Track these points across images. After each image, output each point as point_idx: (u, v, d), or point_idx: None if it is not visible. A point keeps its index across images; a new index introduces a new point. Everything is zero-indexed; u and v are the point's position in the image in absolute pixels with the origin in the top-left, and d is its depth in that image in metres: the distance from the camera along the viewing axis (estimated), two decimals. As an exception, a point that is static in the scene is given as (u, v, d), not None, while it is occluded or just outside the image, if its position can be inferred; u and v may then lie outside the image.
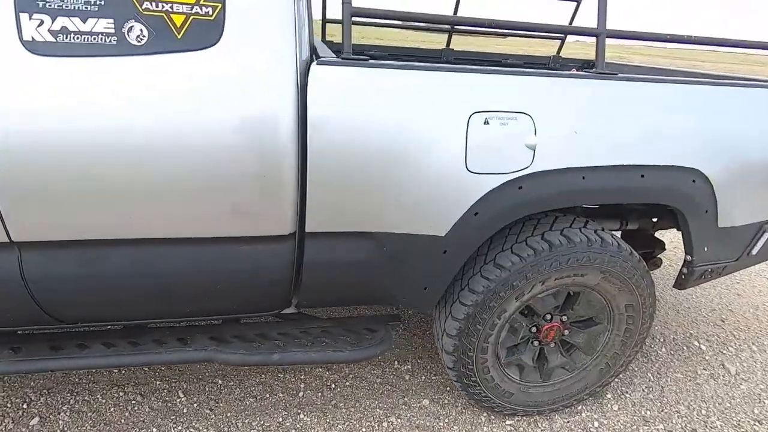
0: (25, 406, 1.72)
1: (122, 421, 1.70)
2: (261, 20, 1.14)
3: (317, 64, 1.19)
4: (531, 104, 1.32)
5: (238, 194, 1.21)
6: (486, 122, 1.29)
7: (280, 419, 1.76)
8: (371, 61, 1.25)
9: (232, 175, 1.18)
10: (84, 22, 1.05)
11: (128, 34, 1.07)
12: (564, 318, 1.68)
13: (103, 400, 1.77)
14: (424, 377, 2.02)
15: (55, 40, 1.05)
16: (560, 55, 2.88)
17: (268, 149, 1.18)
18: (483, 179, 1.32)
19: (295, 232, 1.33)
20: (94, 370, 1.88)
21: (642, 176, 1.41)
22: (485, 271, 1.51)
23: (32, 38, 1.04)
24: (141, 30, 1.08)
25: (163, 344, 1.41)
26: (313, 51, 1.27)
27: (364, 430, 1.74)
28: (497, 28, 1.37)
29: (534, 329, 1.68)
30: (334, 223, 1.34)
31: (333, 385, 1.94)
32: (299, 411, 1.80)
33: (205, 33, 1.11)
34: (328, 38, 2.76)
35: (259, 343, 1.46)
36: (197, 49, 1.11)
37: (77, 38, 1.05)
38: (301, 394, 1.88)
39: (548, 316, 1.67)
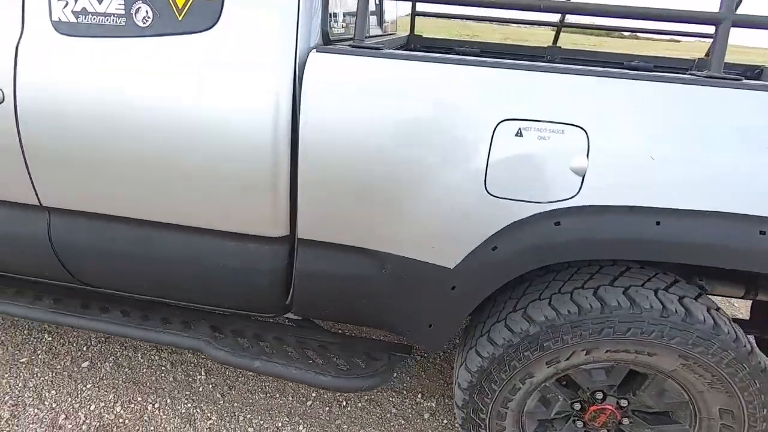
0: (84, 348, 1.96)
1: (148, 384, 1.81)
2: (259, 4, 1.04)
3: (316, 51, 1.05)
4: (588, 114, 0.98)
5: (224, 187, 1.14)
6: (519, 133, 1.00)
7: (279, 424, 1.69)
8: (384, 51, 1.06)
9: (218, 165, 1.12)
10: (99, 2, 1.08)
11: (135, 16, 1.07)
12: (623, 402, 1.26)
13: (141, 360, 1.92)
14: (446, 421, 1.76)
15: (76, 21, 1.10)
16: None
17: (255, 142, 1.08)
18: (506, 206, 1.03)
19: (288, 236, 1.22)
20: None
21: (763, 233, 0.95)
22: (511, 320, 1.20)
23: (59, 18, 1.10)
24: (147, 11, 1.07)
25: (167, 323, 1.44)
26: (327, 39, 1.13)
27: (357, 463, 1.57)
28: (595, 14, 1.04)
29: (578, 407, 1.30)
30: (328, 233, 1.19)
31: (344, 403, 1.80)
32: (300, 421, 1.70)
33: (203, 15, 1.05)
34: (428, 34, 2.60)
35: (250, 344, 1.40)
36: (195, 32, 1.06)
37: (93, 19, 1.09)
38: (309, 403, 1.79)
39: (599, 394, 1.27)
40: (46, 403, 1.69)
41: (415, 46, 2.50)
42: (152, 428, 1.62)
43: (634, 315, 1.09)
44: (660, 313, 1.08)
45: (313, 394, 1.83)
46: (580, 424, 1.33)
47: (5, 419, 1.61)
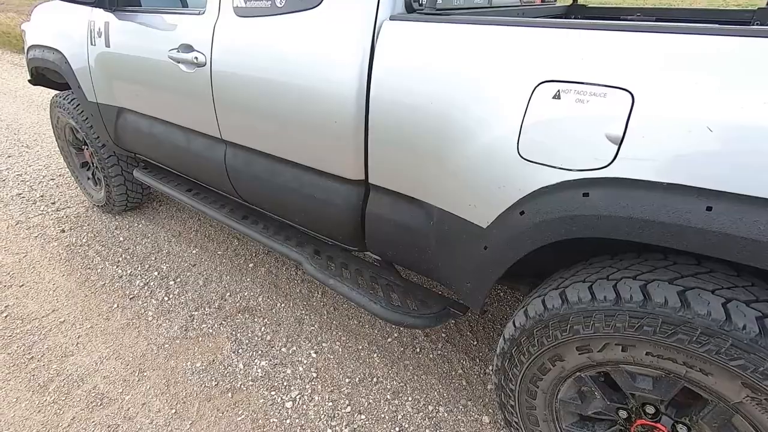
0: (253, 254, 2.65)
1: (283, 289, 2.36)
2: None
3: (390, 19, 1.21)
4: (637, 76, 0.87)
5: (315, 133, 1.43)
6: (557, 96, 0.96)
7: (360, 347, 1.99)
8: (442, 16, 1.14)
9: (312, 116, 1.41)
10: (257, -10, 1.48)
11: (276, -1, 1.43)
12: (680, 427, 1.08)
13: (285, 272, 2.50)
14: (507, 398, 1.74)
15: (245, 5, 1.53)
16: None
17: (337, 99, 1.33)
18: (536, 171, 1.01)
19: (363, 181, 1.45)
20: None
21: None
22: (549, 296, 1.16)
23: (237, 5, 1.56)
24: (282, -6, 1.41)
25: (287, 240, 1.88)
26: (410, 9, 1.27)
27: (409, 400, 1.74)
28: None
29: (624, 415, 1.17)
30: (390, 181, 1.37)
31: (419, 349, 1.98)
32: (377, 350, 1.97)
33: (315, -6, 1.33)
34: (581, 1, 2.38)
35: (336, 268, 1.71)
36: (309, 9, 1.36)
37: (253, 3, 1.50)
38: (389, 340, 2.03)
39: (650, 408, 1.11)
40: (221, 283, 2.41)
41: (575, 16, 2.30)
42: (275, 318, 2.15)
43: (683, 318, 0.93)
44: (719, 324, 0.89)
45: (395, 334, 2.06)
46: (625, 435, 1.19)
47: (200, 285, 2.38)
